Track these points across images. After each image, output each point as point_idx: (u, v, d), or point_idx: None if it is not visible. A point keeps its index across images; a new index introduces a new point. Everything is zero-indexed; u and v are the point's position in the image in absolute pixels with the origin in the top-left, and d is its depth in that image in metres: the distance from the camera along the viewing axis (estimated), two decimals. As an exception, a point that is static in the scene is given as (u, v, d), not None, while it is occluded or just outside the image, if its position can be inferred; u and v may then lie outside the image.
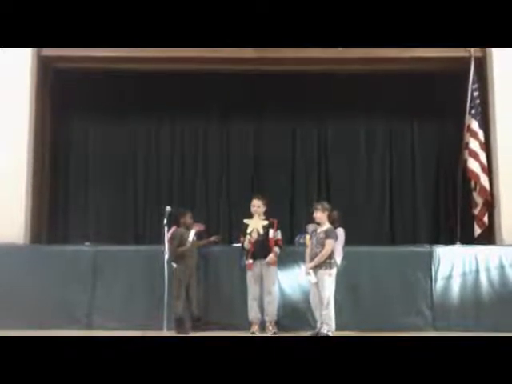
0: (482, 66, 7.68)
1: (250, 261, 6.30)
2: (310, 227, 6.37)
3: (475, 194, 7.45)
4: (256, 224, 6.40)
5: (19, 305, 6.48)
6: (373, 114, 8.58)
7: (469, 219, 7.55)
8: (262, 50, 7.27)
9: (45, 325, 6.25)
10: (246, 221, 6.48)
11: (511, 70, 7.39)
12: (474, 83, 7.48)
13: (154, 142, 8.72)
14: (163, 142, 8.72)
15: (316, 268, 5.95)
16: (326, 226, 6.09)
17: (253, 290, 6.32)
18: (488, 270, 6.59)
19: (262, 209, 6.46)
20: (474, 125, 7.44)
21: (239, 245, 6.54)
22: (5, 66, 7.43)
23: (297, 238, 7.27)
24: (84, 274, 6.67)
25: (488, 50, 7.57)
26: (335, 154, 8.63)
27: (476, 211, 7.44)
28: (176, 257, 6.36)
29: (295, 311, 6.51)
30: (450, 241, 7.52)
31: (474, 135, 7.42)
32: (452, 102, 8.02)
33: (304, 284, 6.36)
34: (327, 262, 5.94)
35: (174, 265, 6.34)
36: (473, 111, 7.48)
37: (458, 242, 7.23)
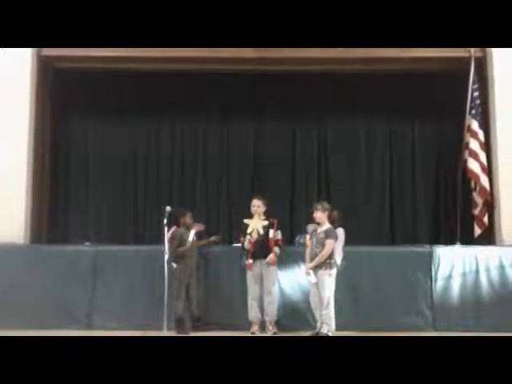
0: (482, 66, 7.67)
1: (250, 261, 6.30)
2: (310, 227, 6.37)
3: (475, 194, 7.45)
4: (256, 224, 6.40)
5: (19, 305, 6.48)
6: (373, 113, 8.58)
7: (469, 219, 7.55)
8: (262, 49, 7.27)
9: (45, 325, 6.24)
10: (246, 221, 6.47)
11: (511, 70, 7.39)
12: (474, 83, 7.48)
13: (154, 142, 8.72)
14: (163, 142, 8.71)
15: (316, 268, 5.94)
16: (326, 226, 6.09)
17: (253, 290, 6.32)
18: (488, 270, 6.59)
19: (262, 209, 6.46)
20: (474, 125, 7.44)
21: (239, 245, 6.54)
22: (5, 65, 7.43)
23: (297, 238, 7.27)
24: (84, 274, 6.67)
25: (488, 49, 7.56)
26: (335, 154, 8.63)
27: (476, 211, 7.44)
28: (176, 257, 6.36)
29: (295, 311, 6.50)
30: (450, 241, 7.52)
31: (474, 135, 7.42)
32: (452, 102, 8.01)
33: (304, 284, 6.36)
34: (327, 262, 5.94)
35: (174, 265, 6.34)
36: (473, 111, 7.48)
37: (458, 242, 7.22)
